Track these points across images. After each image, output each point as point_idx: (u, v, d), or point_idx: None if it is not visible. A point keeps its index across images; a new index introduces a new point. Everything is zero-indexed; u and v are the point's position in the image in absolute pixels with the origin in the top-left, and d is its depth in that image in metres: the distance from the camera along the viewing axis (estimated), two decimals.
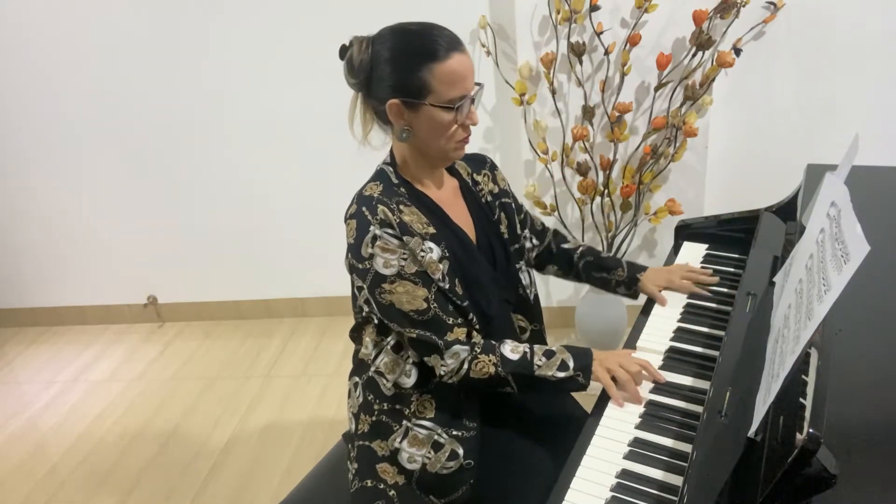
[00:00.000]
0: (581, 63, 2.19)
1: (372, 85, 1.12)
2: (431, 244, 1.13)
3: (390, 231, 1.10)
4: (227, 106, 2.64)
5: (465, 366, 1.14)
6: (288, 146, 2.69)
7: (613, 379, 1.14)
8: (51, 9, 2.53)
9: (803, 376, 0.86)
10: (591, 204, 2.35)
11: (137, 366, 2.80)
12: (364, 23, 2.52)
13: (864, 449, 0.78)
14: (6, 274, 3.08)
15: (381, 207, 1.11)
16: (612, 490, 0.95)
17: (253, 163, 2.74)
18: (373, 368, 1.23)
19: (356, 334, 1.29)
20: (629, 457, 1.01)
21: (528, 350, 1.16)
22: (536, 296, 1.38)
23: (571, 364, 1.14)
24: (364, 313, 1.22)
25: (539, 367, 1.14)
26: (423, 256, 1.12)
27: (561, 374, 1.14)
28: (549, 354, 1.15)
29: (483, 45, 2.34)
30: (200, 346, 2.92)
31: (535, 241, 1.46)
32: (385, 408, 1.21)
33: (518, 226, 1.35)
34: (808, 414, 0.78)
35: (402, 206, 1.14)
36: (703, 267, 1.49)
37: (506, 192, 1.36)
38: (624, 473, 0.97)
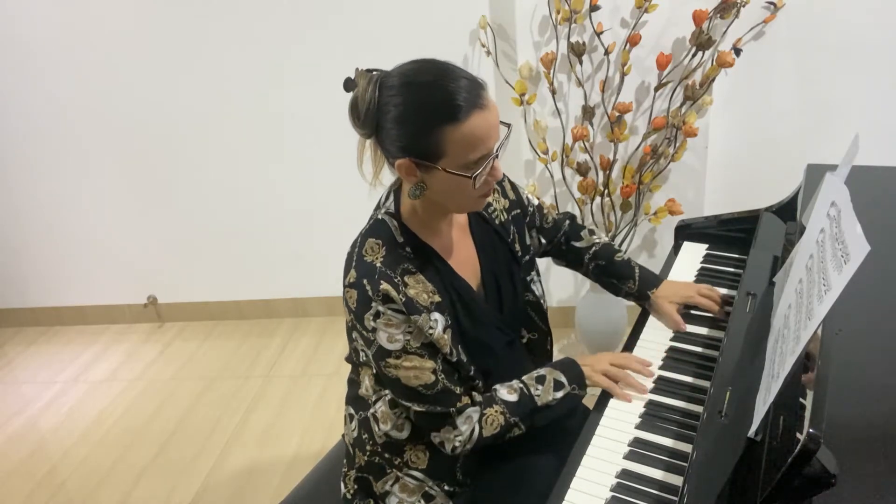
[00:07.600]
0: (581, 63, 2.19)
1: (380, 137, 1.01)
2: (437, 315, 1.06)
3: (394, 306, 1.02)
4: (226, 106, 2.64)
5: (477, 426, 1.10)
6: (288, 146, 2.69)
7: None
8: (52, 10, 2.53)
9: (803, 376, 0.86)
10: (591, 204, 2.35)
11: (137, 366, 2.80)
12: (365, 24, 2.51)
13: (864, 449, 0.78)
14: (6, 274, 3.08)
15: (383, 284, 1.02)
16: (612, 490, 0.95)
17: (253, 163, 2.74)
18: (371, 410, 1.18)
19: (354, 376, 1.23)
20: (629, 457, 1.01)
21: (521, 385, 1.14)
22: (546, 306, 1.36)
23: (564, 379, 1.14)
24: (361, 359, 1.15)
25: (538, 395, 1.13)
26: (430, 332, 1.05)
27: (559, 394, 1.13)
28: (541, 380, 1.14)
29: (483, 45, 2.34)
30: (200, 346, 2.92)
31: (542, 240, 1.39)
32: (378, 450, 1.18)
33: (527, 234, 1.30)
34: (808, 414, 0.78)
35: (406, 278, 1.05)
36: (702, 267, 1.49)
37: (517, 202, 1.29)
38: (624, 473, 0.98)
